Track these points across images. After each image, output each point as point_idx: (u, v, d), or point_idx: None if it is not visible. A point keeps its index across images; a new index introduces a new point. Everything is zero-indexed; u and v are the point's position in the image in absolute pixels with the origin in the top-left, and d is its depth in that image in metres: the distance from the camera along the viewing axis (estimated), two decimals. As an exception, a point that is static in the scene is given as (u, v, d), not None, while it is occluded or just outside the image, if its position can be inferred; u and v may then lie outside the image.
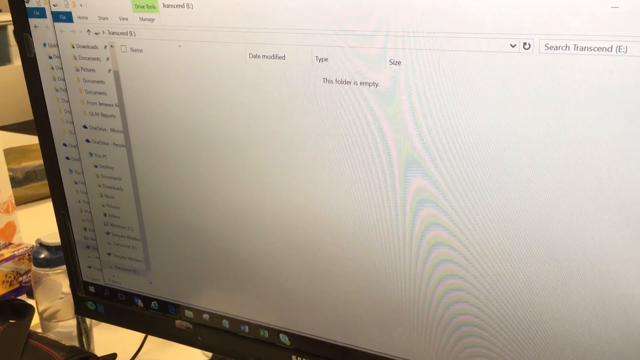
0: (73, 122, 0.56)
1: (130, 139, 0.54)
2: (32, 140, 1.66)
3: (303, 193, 0.49)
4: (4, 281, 0.91)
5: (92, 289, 0.65)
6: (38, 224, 1.16)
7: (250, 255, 0.53)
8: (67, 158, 0.58)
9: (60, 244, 0.71)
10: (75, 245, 0.63)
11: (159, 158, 0.54)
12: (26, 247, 0.96)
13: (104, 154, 0.56)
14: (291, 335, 0.55)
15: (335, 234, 0.49)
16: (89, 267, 0.63)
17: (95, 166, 0.57)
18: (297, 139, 0.47)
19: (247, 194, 0.51)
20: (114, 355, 0.72)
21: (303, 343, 0.55)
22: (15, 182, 1.28)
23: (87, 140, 0.56)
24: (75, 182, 0.59)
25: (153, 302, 0.61)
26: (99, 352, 0.75)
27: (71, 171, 0.59)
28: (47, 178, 0.60)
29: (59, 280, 0.77)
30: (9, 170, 1.21)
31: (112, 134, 0.55)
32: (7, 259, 0.91)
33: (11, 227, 1.08)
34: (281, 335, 0.55)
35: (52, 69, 0.55)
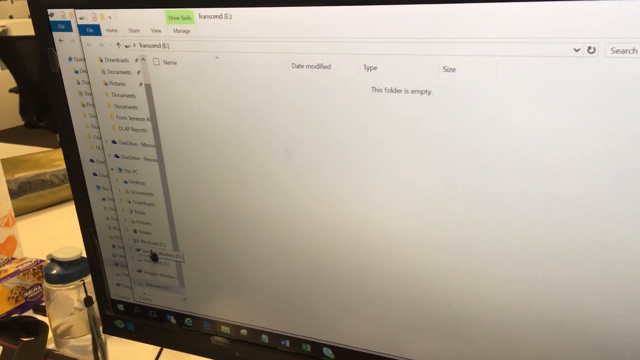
0: (101, 138, 0.54)
1: (162, 154, 0.53)
2: (23, 150, 1.63)
3: (352, 204, 0.47)
4: (9, 297, 0.88)
5: (121, 307, 0.63)
6: (37, 237, 1.14)
7: (293, 267, 0.52)
8: (95, 174, 0.56)
9: (73, 258, 0.71)
10: (103, 263, 0.61)
11: (193, 172, 0.52)
12: (30, 261, 0.94)
13: (135, 169, 0.55)
14: (335, 349, 0.54)
15: (388, 245, 0.47)
16: (118, 284, 0.62)
17: (125, 182, 0.55)
18: (343, 149, 0.46)
19: (289, 207, 0.50)
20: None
21: (348, 356, 0.53)
22: (9, 194, 1.25)
23: (117, 156, 0.55)
24: (103, 199, 0.57)
25: (187, 319, 0.60)
26: (117, 367, 0.73)
27: (99, 187, 0.57)
28: (74, 195, 0.58)
29: (71, 295, 0.75)
30: (3, 182, 1.17)
31: (144, 148, 0.53)
32: (11, 275, 0.88)
33: (12, 241, 1.05)
34: (325, 349, 0.54)
35: (79, 83, 0.53)
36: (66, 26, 0.51)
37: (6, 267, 0.92)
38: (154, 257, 0.56)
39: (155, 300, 0.60)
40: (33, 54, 3.04)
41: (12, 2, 4.71)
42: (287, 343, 0.55)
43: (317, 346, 0.54)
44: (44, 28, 0.52)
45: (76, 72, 0.53)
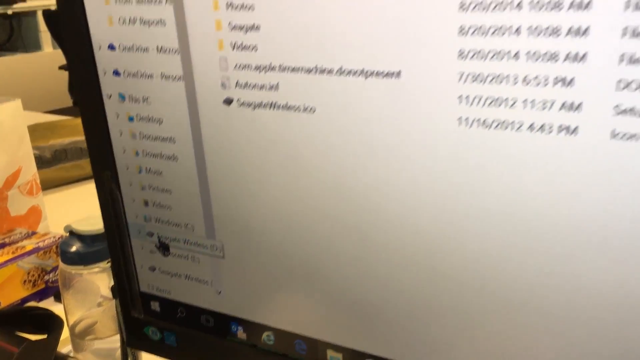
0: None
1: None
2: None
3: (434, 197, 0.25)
4: (25, 280, 0.69)
5: (156, 305, 0.42)
6: (69, 211, 0.95)
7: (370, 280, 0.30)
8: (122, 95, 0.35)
9: (99, 231, 0.50)
10: (129, 232, 0.39)
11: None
12: (54, 237, 0.74)
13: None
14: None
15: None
16: (152, 269, 0.40)
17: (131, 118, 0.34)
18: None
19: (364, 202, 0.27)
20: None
21: None
22: (42, 162, 1.08)
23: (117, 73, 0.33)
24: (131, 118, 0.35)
25: (266, 334, 0.37)
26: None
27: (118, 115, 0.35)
28: (83, 118, 0.36)
29: (96, 281, 0.55)
30: (35, 148, 1.00)
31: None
32: (29, 252, 0.69)
33: (36, 213, 0.87)
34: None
35: None
36: None
37: (24, 242, 0.73)
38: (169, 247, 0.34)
39: (218, 300, 0.38)
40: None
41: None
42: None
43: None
44: None
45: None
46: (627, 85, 0.22)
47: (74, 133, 1.18)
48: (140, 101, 0.33)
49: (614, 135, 0.23)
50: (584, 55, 0.22)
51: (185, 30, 0.30)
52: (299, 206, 0.31)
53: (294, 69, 0.29)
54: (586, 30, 0.22)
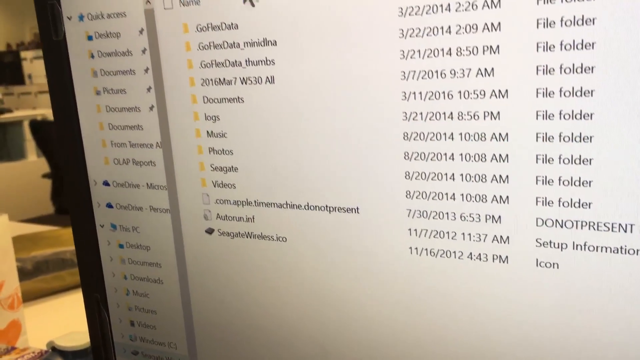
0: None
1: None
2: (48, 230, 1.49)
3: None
4: (3, 400, 0.69)
5: None
6: (49, 325, 0.95)
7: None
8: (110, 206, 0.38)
9: (82, 347, 0.51)
10: (115, 352, 0.42)
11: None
12: (33, 352, 0.74)
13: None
14: None
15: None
16: None
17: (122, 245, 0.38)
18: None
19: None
20: None
21: None
22: (23, 273, 1.08)
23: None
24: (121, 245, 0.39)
25: None
26: None
27: (114, 227, 0.39)
28: (74, 232, 0.39)
29: (78, 402, 0.56)
30: (17, 260, 1.02)
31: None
32: None
33: (16, 327, 0.87)
34: None
35: (92, 57, 0.35)
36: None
37: (3, 358, 0.73)
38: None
39: None
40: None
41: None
42: None
43: None
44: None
45: (89, 38, 0.36)
46: (544, 222, 0.27)
47: (56, 244, 1.19)
48: (130, 230, 0.37)
49: (538, 263, 0.27)
50: (506, 198, 0.27)
51: (173, 170, 0.35)
52: (275, 326, 0.35)
53: (267, 204, 0.33)
54: (506, 178, 0.27)
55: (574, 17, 0.24)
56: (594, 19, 0.24)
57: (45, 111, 4.28)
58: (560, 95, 0.25)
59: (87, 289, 0.39)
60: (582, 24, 0.24)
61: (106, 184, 0.37)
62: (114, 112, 0.35)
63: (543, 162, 0.26)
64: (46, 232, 1.33)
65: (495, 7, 0.25)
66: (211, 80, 0.32)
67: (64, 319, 1.03)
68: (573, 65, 0.25)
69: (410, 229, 0.30)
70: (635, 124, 0.24)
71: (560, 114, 0.25)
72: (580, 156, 0.25)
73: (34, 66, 4.90)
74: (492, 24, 0.26)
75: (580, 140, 0.25)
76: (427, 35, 0.27)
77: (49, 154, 3.32)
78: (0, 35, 5.90)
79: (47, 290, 1.15)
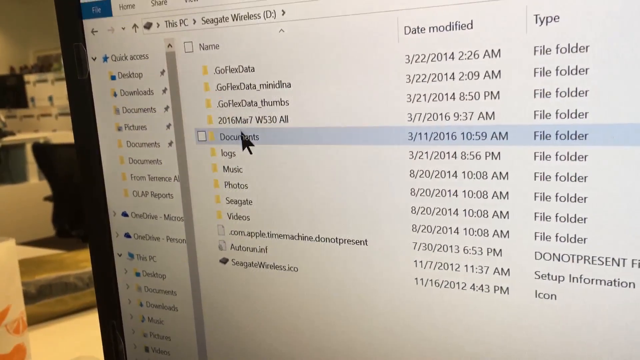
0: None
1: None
2: (51, 253, 1.50)
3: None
4: None
5: None
6: (53, 349, 0.96)
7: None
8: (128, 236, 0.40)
9: None
10: None
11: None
12: (38, 379, 0.76)
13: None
14: None
15: None
16: None
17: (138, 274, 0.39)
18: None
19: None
20: None
21: None
22: (27, 297, 1.10)
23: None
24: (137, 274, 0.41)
25: None
26: None
27: (132, 256, 0.40)
28: (93, 270, 0.41)
29: None
30: (22, 284, 1.03)
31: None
32: None
33: (20, 351, 0.88)
34: None
35: (115, 96, 0.38)
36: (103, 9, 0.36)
37: (7, 385, 0.74)
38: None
39: None
40: (68, 159, 3.05)
41: (56, 117, 4.88)
42: None
43: None
44: (71, 15, 0.37)
45: (113, 78, 0.39)
46: (542, 256, 0.29)
47: (60, 268, 1.21)
48: (147, 259, 0.39)
49: (537, 295, 0.29)
50: (507, 232, 0.29)
51: (190, 202, 0.37)
52: (287, 352, 0.36)
53: (280, 236, 0.35)
54: (507, 213, 0.29)
55: (568, 67, 0.26)
56: (587, 69, 0.26)
57: (47, 134, 4.31)
58: (557, 138, 0.27)
59: (104, 316, 0.41)
60: (576, 73, 0.26)
61: (125, 214, 0.39)
62: (135, 147, 0.37)
63: (541, 199, 0.28)
64: (50, 256, 1.34)
65: (496, 56, 0.28)
66: (228, 118, 0.34)
67: (68, 343, 1.04)
68: (568, 110, 0.27)
69: (415, 261, 0.31)
70: (625, 168, 0.26)
71: (556, 155, 0.27)
72: (575, 194, 0.27)
73: (37, 89, 4.95)
74: (492, 72, 0.28)
75: (575, 180, 0.27)
76: (432, 80, 0.29)
77: (51, 176, 3.33)
78: (4, 59, 5.97)
79: (50, 315, 1.16)
